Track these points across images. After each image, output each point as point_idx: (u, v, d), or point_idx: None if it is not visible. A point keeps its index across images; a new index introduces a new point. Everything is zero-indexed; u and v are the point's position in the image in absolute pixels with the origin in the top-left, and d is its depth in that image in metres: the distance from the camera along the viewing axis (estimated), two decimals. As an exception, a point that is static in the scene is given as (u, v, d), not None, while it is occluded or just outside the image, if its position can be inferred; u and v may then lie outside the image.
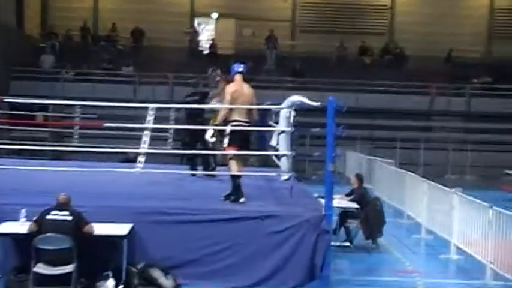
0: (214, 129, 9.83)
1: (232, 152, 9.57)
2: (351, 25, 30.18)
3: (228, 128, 9.56)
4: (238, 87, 9.71)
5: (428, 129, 26.58)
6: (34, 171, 11.18)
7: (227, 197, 9.73)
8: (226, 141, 9.62)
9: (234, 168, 9.68)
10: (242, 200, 9.61)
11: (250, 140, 9.93)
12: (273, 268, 9.02)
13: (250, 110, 9.71)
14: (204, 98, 12.14)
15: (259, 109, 10.12)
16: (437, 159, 24.41)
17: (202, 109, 11.82)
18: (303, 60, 27.54)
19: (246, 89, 9.77)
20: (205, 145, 12.00)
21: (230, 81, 9.98)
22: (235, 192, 9.66)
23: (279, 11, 30.27)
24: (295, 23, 30.64)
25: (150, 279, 8.56)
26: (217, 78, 12.89)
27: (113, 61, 27.24)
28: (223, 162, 10.54)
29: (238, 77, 9.82)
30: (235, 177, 9.68)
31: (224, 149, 9.76)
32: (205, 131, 11.52)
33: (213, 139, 9.82)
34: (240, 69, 9.87)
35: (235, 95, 9.63)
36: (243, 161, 10.14)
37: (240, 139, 9.63)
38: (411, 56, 28.90)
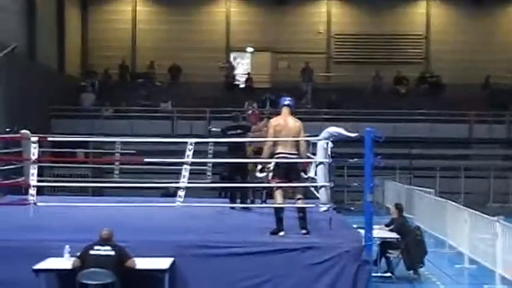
0: (261, 164, 9.88)
1: (270, 184, 9.61)
2: (386, 55, 30.22)
3: (272, 161, 9.62)
4: (282, 120, 9.79)
5: (467, 157, 26.27)
6: (77, 208, 11.39)
7: (272, 232, 9.74)
8: (270, 174, 9.67)
9: (277, 200, 9.73)
10: (281, 233, 9.61)
11: (296, 172, 9.89)
12: (315, 300, 8.98)
13: (296, 142, 9.74)
14: (247, 131, 12.18)
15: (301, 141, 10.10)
16: (478, 187, 24.10)
17: (244, 143, 11.89)
18: (338, 91, 27.61)
19: (292, 122, 9.81)
20: (244, 178, 12.07)
21: (259, 114, 9.99)
22: (276, 224, 9.70)
23: (313, 43, 30.48)
24: (330, 55, 30.81)
25: (192, 313, 8.59)
26: (249, 111, 13.00)
27: (150, 97, 27.69)
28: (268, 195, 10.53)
29: (285, 110, 9.90)
30: (277, 210, 9.71)
31: (269, 182, 9.82)
32: (246, 164, 11.60)
33: (263, 174, 9.86)
34: (286, 102, 9.96)
35: (278, 128, 9.71)
36: (288, 193, 10.16)
37: (283, 171, 9.66)
38: (448, 84, 28.73)
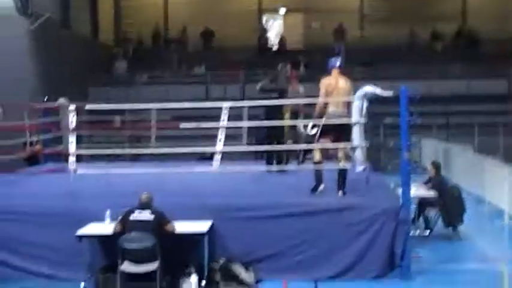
0: (313, 122, 9.90)
1: (308, 146, 9.61)
2: (421, 12, 29.62)
3: (321, 121, 9.67)
4: (333, 80, 9.80)
5: (506, 113, 25.80)
6: (115, 174, 11.57)
7: (313, 189, 9.80)
8: (318, 132, 9.72)
9: (316, 157, 9.79)
10: (321, 187, 9.70)
11: (346, 132, 9.88)
12: (353, 259, 9.04)
13: (346, 102, 9.78)
14: (282, 93, 12.17)
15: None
16: (518, 143, 23.70)
17: (281, 105, 11.87)
18: (372, 50, 27.25)
19: (343, 82, 9.83)
20: (280, 140, 12.06)
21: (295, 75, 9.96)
22: (316, 180, 9.76)
23: (346, 2, 30.05)
24: (364, 13, 30.34)
25: (231, 275, 8.71)
26: (287, 74, 12.92)
27: (183, 63, 27.73)
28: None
29: (335, 71, 9.90)
30: (317, 171, 9.79)
31: (317, 141, 9.86)
32: (282, 126, 11.60)
33: (314, 130, 9.87)
34: (338, 64, 9.97)
35: (329, 89, 9.74)
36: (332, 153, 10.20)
37: (333, 131, 9.68)
38: (485, 39, 28.10)
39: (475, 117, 24.11)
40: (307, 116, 10.36)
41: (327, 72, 10.01)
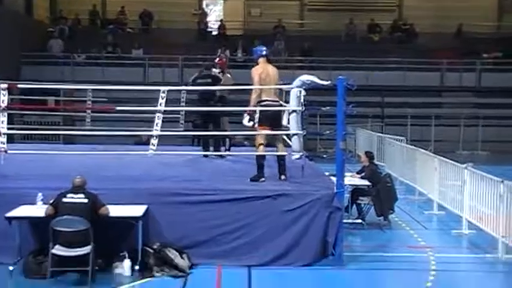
0: (248, 113, 9.97)
1: (238, 133, 9.70)
2: (360, 2, 30.00)
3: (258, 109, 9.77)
4: (263, 68, 9.97)
5: (439, 105, 26.51)
6: (48, 156, 11.32)
7: (252, 179, 9.87)
8: (256, 121, 9.80)
9: (259, 149, 9.90)
10: (262, 179, 9.83)
11: (279, 119, 10.10)
12: (286, 246, 9.14)
13: (277, 90, 9.95)
14: (215, 81, 12.25)
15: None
16: (449, 135, 24.40)
17: (214, 91, 11.95)
18: (311, 39, 27.46)
19: (272, 69, 10.08)
20: (216, 126, 12.15)
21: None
22: (258, 171, 9.88)
23: (287, -10, 30.14)
24: (304, 2, 30.51)
25: (165, 259, 8.69)
26: (217, 59, 12.99)
27: (120, 45, 27.26)
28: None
29: (262, 60, 10.09)
30: (259, 157, 9.93)
31: (256, 130, 9.93)
32: (216, 112, 11.70)
33: (250, 123, 9.97)
34: (264, 52, 10.17)
35: (263, 76, 9.90)
36: (273, 140, 10.33)
37: (270, 119, 9.83)
38: (421, 32, 28.72)
39: (408, 109, 24.69)
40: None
41: (254, 61, 10.15)
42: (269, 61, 10.23)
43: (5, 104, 9.99)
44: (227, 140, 12.94)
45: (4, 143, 9.84)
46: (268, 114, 9.82)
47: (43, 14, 28.99)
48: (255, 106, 9.87)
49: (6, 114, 9.96)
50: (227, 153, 12.44)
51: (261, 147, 9.95)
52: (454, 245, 10.92)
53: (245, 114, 9.99)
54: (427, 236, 11.44)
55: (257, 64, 10.11)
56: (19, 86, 12.30)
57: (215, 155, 12.21)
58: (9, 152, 9.84)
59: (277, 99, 10.13)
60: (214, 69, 12.75)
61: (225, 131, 12.53)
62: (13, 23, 23.99)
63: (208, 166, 11.53)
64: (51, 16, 29.52)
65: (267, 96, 9.92)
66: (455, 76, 26.39)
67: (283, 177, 9.97)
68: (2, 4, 23.86)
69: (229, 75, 13.11)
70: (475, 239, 10.99)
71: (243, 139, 16.95)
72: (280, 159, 10.06)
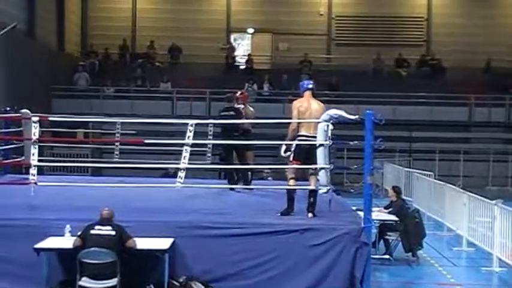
0: (285, 145, 10.00)
1: (260, 167, 9.66)
2: (387, 37, 30.09)
3: (294, 143, 9.76)
4: (305, 102, 9.90)
5: (467, 140, 26.29)
6: (76, 187, 11.42)
7: (283, 213, 9.84)
8: (291, 155, 9.78)
9: (289, 182, 9.87)
10: (292, 214, 9.79)
11: (314, 155, 9.91)
12: (313, 281, 9.04)
13: (318, 125, 9.83)
14: (238, 114, 12.27)
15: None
16: (478, 170, 24.16)
17: (238, 124, 11.98)
18: (339, 73, 27.54)
19: (315, 104, 9.95)
20: (242, 159, 12.15)
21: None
22: (288, 205, 9.84)
23: (314, 25, 30.35)
24: (331, 37, 30.70)
25: (191, 293, 8.66)
26: (238, 93, 12.97)
27: (149, 78, 27.61)
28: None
29: (307, 93, 10.03)
30: (290, 191, 9.89)
31: (290, 163, 9.91)
32: (241, 145, 11.70)
33: (287, 154, 9.97)
34: (310, 86, 10.11)
35: (301, 109, 9.83)
36: (307, 175, 10.26)
37: (304, 154, 9.77)
38: (449, 67, 28.67)
39: (436, 144, 24.52)
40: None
41: (299, 94, 10.13)
42: (314, 95, 10.14)
43: (37, 136, 10.15)
44: (249, 173, 12.82)
45: (34, 175, 9.97)
46: (301, 148, 9.75)
47: (74, 48, 29.57)
48: (292, 139, 9.85)
49: (37, 146, 10.11)
50: (254, 186, 12.40)
51: (292, 181, 9.89)
52: (484, 282, 10.74)
53: (283, 145, 10.01)
54: (456, 273, 11.26)
55: (301, 97, 10.06)
56: (50, 118, 12.51)
57: (242, 188, 12.18)
58: (39, 183, 9.95)
59: (316, 134, 9.93)
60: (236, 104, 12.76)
61: (249, 164, 12.50)
62: (45, 57, 24.54)
63: (235, 199, 11.51)
64: (82, 50, 30.10)
65: (305, 131, 9.80)
66: (484, 111, 26.19)
67: (310, 215, 9.79)
68: (35, 39, 24.40)
69: (251, 109, 13.14)
70: (505, 276, 10.79)
71: (267, 173, 16.94)
72: (312, 195, 9.87)
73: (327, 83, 27.18)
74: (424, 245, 12.14)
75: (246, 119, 12.19)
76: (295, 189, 9.90)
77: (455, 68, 28.30)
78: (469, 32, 29.55)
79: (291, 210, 9.85)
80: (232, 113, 12.29)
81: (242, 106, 12.66)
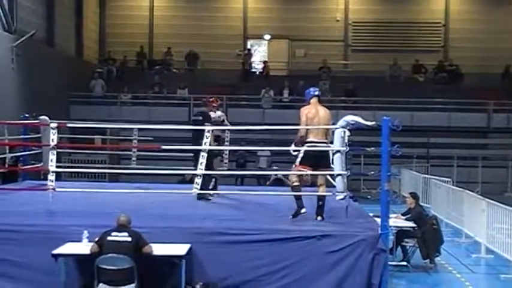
0: (295, 144, 10.07)
1: (270, 172, 9.63)
2: (404, 43, 29.98)
3: (302, 148, 9.81)
4: (313, 109, 9.97)
5: (485, 146, 26.10)
6: (94, 194, 11.48)
7: (294, 214, 9.84)
8: (298, 160, 9.81)
9: (292, 180, 9.93)
10: (303, 211, 9.78)
11: (325, 160, 9.98)
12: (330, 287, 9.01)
13: (326, 130, 9.94)
14: (205, 119, 11.83)
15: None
16: (496, 177, 23.96)
17: (203, 131, 10.99)
18: (355, 79, 27.48)
19: (322, 110, 10.02)
20: (208, 165, 11.08)
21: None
22: (297, 204, 9.84)
23: (331, 31, 30.32)
24: (348, 43, 30.65)
25: (208, 299, 8.66)
26: (210, 99, 12.82)
27: (166, 84, 27.73)
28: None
29: (314, 100, 10.09)
30: (294, 190, 9.90)
31: (295, 166, 9.94)
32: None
33: (296, 153, 10.02)
34: (316, 93, 10.18)
35: (310, 116, 9.88)
36: (310, 180, 10.27)
37: (312, 160, 9.79)
38: (466, 72, 28.49)
39: (454, 150, 24.36)
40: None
41: (306, 101, 10.16)
42: (320, 102, 10.19)
43: (55, 142, 10.24)
44: (213, 179, 12.20)
45: (53, 181, 10.04)
46: (310, 154, 9.77)
47: (92, 56, 29.81)
48: (300, 145, 9.86)
49: (55, 152, 10.19)
50: (263, 193, 12.33)
51: (295, 183, 9.91)
52: (503, 290, 10.64)
53: (293, 144, 10.06)
54: (474, 281, 11.15)
55: (308, 104, 10.10)
56: (68, 125, 12.61)
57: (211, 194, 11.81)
58: (57, 189, 10.02)
59: (325, 140, 9.95)
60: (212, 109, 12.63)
61: (213, 170, 11.71)
62: (64, 65, 24.78)
63: (251, 205, 11.48)
64: (100, 57, 30.34)
65: (314, 137, 9.85)
66: (503, 117, 25.99)
67: (319, 218, 9.82)
68: (54, 46, 24.62)
69: (219, 113, 12.96)
70: (525, 284, 10.68)
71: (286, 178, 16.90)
72: (320, 199, 9.92)
73: (344, 89, 27.16)
74: (442, 252, 12.05)
75: (212, 124, 11.79)
76: (299, 188, 9.88)
77: (473, 73, 28.11)
78: (486, 37, 29.37)
79: (301, 207, 9.83)
80: (200, 117, 12.00)
81: (215, 111, 12.53)
